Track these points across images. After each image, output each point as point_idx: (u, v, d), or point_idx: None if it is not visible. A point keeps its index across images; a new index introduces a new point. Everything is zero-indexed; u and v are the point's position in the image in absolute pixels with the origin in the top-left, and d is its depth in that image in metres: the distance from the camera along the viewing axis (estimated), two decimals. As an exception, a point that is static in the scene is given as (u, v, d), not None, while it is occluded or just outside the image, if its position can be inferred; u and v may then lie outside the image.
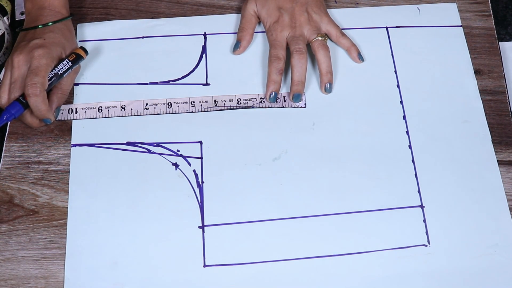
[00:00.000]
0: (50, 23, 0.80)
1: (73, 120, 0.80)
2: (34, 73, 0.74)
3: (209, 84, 0.83)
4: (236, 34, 0.87)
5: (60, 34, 0.79)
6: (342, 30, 0.86)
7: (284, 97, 0.82)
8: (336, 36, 0.85)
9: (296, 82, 0.81)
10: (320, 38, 0.83)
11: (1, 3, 0.89)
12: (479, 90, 0.83)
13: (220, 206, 0.75)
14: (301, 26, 0.83)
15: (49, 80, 0.76)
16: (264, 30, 0.87)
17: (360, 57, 0.85)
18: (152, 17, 0.88)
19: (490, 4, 0.90)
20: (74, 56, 0.79)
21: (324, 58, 0.82)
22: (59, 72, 0.77)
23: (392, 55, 0.86)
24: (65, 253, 0.72)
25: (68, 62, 0.78)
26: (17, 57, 0.76)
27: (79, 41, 0.85)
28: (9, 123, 0.79)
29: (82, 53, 0.80)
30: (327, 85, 0.82)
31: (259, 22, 0.87)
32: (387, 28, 0.88)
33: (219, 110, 0.81)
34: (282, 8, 0.84)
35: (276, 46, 0.82)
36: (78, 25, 0.87)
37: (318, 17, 0.85)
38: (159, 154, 0.78)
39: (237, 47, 0.85)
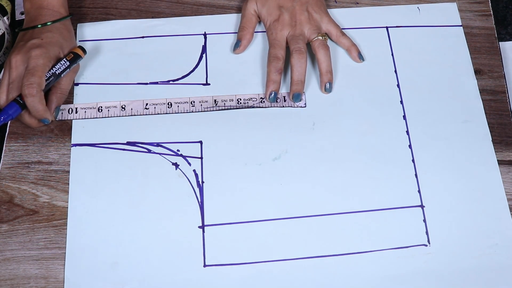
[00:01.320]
0: (49, 23, 0.79)
1: (73, 120, 0.80)
2: (31, 73, 0.74)
3: (209, 84, 0.83)
4: (236, 33, 0.87)
5: (58, 34, 0.79)
6: (342, 30, 0.86)
7: (284, 97, 0.82)
8: (336, 36, 0.85)
9: (296, 81, 0.81)
10: (320, 38, 0.83)
11: (1, 3, 0.89)
12: (479, 90, 0.83)
13: (220, 206, 0.75)
14: (301, 25, 0.83)
15: (46, 80, 0.76)
16: (264, 30, 0.86)
17: (360, 57, 0.85)
18: (152, 17, 0.88)
19: (490, 4, 0.90)
20: (72, 56, 0.79)
21: (324, 58, 0.82)
22: (57, 72, 0.77)
23: (392, 55, 0.86)
24: (65, 253, 0.72)
25: (66, 62, 0.78)
26: (14, 57, 0.75)
27: (79, 41, 0.85)
28: (9, 123, 0.79)
29: (80, 52, 0.80)
30: (327, 85, 0.82)
31: (260, 22, 0.87)
32: (387, 28, 0.88)
33: (219, 110, 0.81)
34: (283, 7, 0.84)
35: (276, 46, 0.82)
36: (78, 25, 0.86)
37: (319, 17, 0.85)
38: (159, 154, 0.78)
39: (237, 46, 0.85)
